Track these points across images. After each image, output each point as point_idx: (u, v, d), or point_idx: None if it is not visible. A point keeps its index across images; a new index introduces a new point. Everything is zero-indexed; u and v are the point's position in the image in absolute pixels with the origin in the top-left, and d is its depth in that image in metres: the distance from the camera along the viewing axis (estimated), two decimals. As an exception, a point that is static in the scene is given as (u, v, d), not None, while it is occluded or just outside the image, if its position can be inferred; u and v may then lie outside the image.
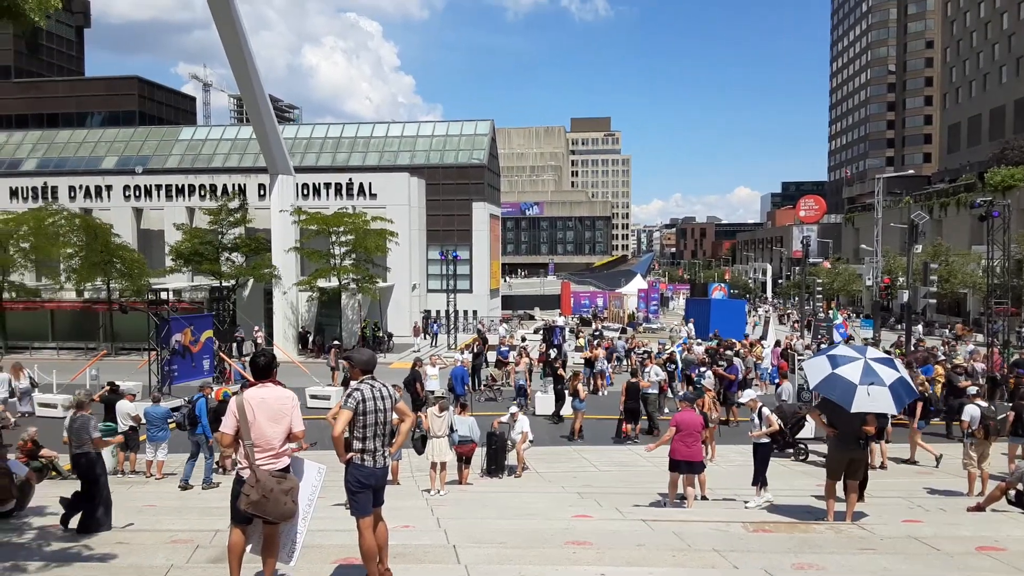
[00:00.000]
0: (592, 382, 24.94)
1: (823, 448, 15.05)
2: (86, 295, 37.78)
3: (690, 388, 19.97)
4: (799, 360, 21.24)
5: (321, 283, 36.70)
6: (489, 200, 50.96)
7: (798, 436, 15.85)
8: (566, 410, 20.01)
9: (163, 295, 24.17)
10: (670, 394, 21.70)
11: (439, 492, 12.31)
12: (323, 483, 6.00)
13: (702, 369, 20.76)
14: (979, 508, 9.89)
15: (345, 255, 36.14)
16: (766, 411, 11.05)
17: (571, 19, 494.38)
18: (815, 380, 9.28)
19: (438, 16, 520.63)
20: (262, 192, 39.64)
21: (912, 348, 26.11)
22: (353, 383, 5.94)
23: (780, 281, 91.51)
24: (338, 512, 9.19)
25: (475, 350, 27.46)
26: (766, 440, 10.94)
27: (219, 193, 41.13)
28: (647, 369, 19.38)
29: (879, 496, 11.03)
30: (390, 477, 11.64)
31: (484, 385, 25.54)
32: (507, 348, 28.09)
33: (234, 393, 7.16)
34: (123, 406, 14.80)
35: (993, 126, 75.71)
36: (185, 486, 13.29)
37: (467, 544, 7.30)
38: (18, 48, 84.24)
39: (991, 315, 26.74)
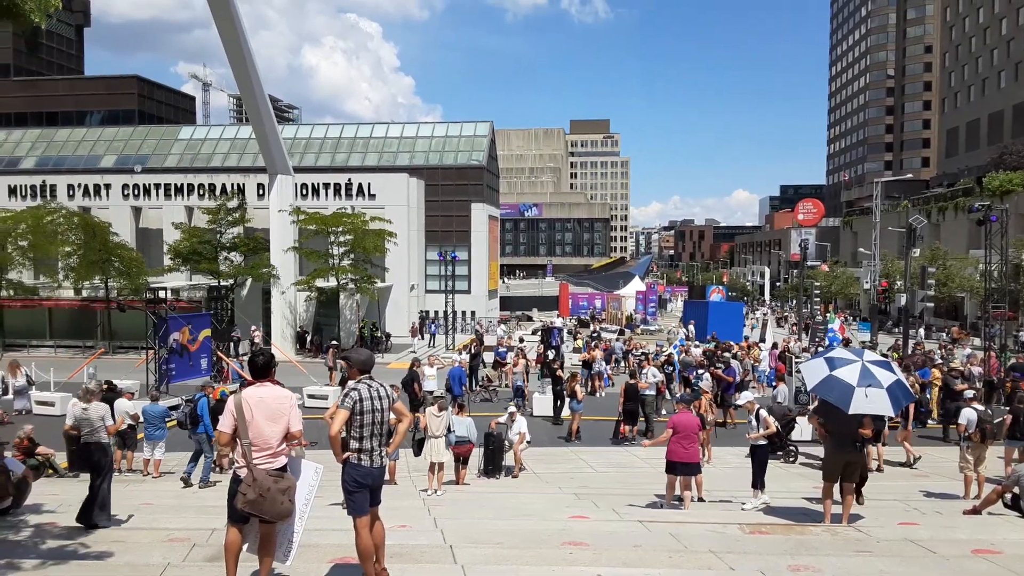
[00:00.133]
0: (590, 383, 24.94)
1: (815, 451, 15.11)
2: (84, 293, 37.75)
3: (687, 390, 20.00)
4: (796, 363, 21.28)
5: (319, 283, 36.69)
6: (488, 201, 51.04)
7: (788, 438, 15.85)
8: (564, 411, 20.02)
9: (161, 294, 24.13)
10: (667, 396, 21.72)
11: (436, 492, 12.30)
12: (320, 482, 6.00)
13: (700, 371, 20.79)
14: (975, 511, 9.91)
15: (344, 255, 36.15)
16: (764, 413, 11.03)
17: (571, 21, 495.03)
18: (813, 382, 9.31)
19: (438, 17, 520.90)
20: (261, 192, 39.64)
21: (910, 352, 26.17)
22: (351, 383, 5.94)
23: (778, 284, 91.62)
24: (335, 511, 9.19)
25: (472, 351, 27.49)
26: (763, 442, 10.96)
27: (218, 192, 41.16)
28: (644, 371, 19.39)
29: (875, 498, 11.07)
30: (387, 477, 11.60)
31: (480, 386, 25.54)
32: (504, 349, 28.10)
33: (232, 392, 7.17)
34: (121, 404, 14.78)
35: (991, 131, 75.77)
36: (187, 481, 13.27)
37: (464, 544, 7.31)
38: (18, 47, 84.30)
39: (988, 319, 26.86)
